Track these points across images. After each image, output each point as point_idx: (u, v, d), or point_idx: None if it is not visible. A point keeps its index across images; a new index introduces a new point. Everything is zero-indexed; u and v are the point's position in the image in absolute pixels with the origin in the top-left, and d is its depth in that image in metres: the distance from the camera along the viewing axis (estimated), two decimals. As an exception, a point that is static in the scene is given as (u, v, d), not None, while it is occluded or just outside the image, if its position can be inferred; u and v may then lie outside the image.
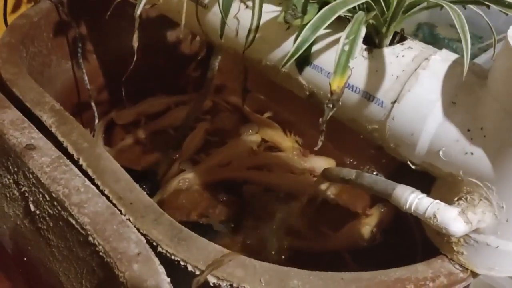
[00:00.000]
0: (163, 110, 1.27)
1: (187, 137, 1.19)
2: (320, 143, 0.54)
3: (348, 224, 1.04)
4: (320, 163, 1.14)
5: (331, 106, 0.53)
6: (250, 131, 1.25)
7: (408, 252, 0.96)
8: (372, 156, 1.10)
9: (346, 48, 0.54)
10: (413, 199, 0.59)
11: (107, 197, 0.66)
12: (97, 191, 0.64)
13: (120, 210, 0.64)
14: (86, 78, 1.08)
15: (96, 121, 1.07)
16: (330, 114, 0.53)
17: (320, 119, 0.54)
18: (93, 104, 1.07)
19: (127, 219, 0.63)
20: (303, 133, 1.25)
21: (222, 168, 1.13)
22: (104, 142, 1.18)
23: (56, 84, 1.08)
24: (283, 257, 0.96)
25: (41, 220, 0.70)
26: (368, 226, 1.03)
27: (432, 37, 1.42)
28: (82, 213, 0.60)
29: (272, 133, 1.25)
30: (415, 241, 0.93)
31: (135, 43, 0.71)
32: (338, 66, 0.53)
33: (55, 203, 0.64)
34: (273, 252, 0.95)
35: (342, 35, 0.55)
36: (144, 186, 1.04)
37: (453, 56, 0.62)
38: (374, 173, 1.15)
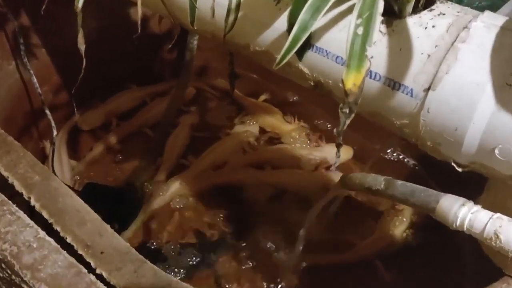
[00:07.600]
0: (136, 106, 1.20)
1: (170, 136, 1.12)
2: (338, 160, 0.46)
3: (376, 225, 0.98)
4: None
5: (347, 111, 0.45)
6: (246, 120, 1.18)
7: (453, 253, 0.92)
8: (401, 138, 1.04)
9: (360, 30, 0.46)
10: (465, 214, 0.53)
11: (71, 247, 0.60)
12: (55, 244, 0.58)
13: (88, 263, 0.58)
14: (35, 79, 1.00)
15: (55, 132, 0.99)
16: (348, 122, 0.46)
17: (335, 129, 0.47)
18: (47, 111, 0.99)
19: (98, 276, 0.57)
20: (310, 114, 1.18)
21: (216, 171, 1.07)
22: (70, 155, 1.10)
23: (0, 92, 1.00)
24: (305, 276, 0.90)
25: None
26: (400, 224, 0.98)
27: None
28: (37, 279, 0.54)
29: (270, 119, 1.18)
30: (462, 239, 0.84)
31: (82, 46, 0.62)
32: (351, 57, 0.45)
33: (3, 266, 0.57)
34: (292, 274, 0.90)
35: (353, 12, 0.47)
36: (122, 206, 0.98)
37: (500, 19, 0.54)
38: (404, 158, 1.09)
